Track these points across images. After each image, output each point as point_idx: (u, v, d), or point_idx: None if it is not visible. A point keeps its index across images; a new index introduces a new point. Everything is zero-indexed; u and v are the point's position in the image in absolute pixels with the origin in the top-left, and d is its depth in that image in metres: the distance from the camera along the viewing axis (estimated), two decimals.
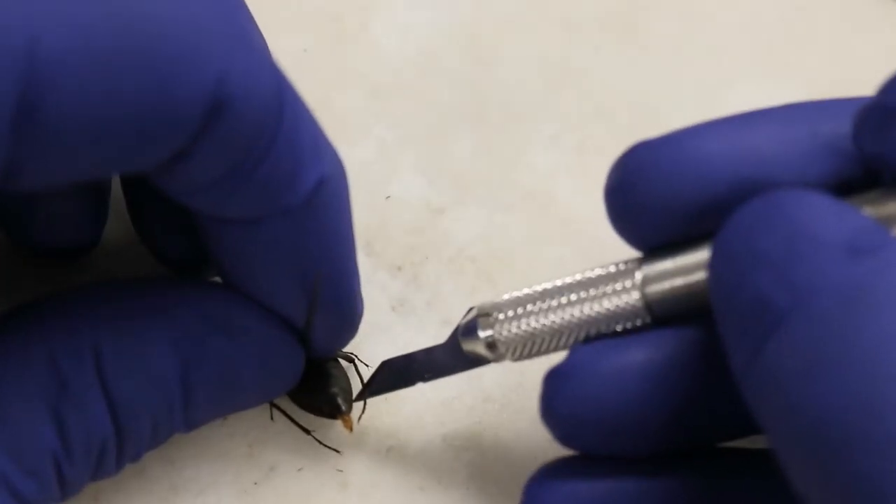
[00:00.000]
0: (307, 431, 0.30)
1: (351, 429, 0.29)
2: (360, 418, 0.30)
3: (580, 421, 0.26)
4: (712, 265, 0.23)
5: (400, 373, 0.29)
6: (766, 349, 0.21)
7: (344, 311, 0.28)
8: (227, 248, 0.27)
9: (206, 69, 0.22)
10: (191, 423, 0.27)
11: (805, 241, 0.22)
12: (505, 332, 0.27)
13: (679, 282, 0.25)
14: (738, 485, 0.26)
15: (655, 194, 0.25)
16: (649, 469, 0.26)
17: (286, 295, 0.27)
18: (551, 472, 0.27)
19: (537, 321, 0.27)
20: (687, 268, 0.25)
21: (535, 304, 0.27)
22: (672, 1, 0.37)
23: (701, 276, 0.25)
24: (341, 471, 0.30)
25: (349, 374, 0.30)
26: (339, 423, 0.30)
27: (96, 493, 0.29)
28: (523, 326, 0.27)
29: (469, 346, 0.27)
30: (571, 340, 0.26)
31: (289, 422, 0.30)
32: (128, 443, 0.26)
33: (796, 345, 0.21)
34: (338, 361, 0.30)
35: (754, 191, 0.24)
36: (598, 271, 0.26)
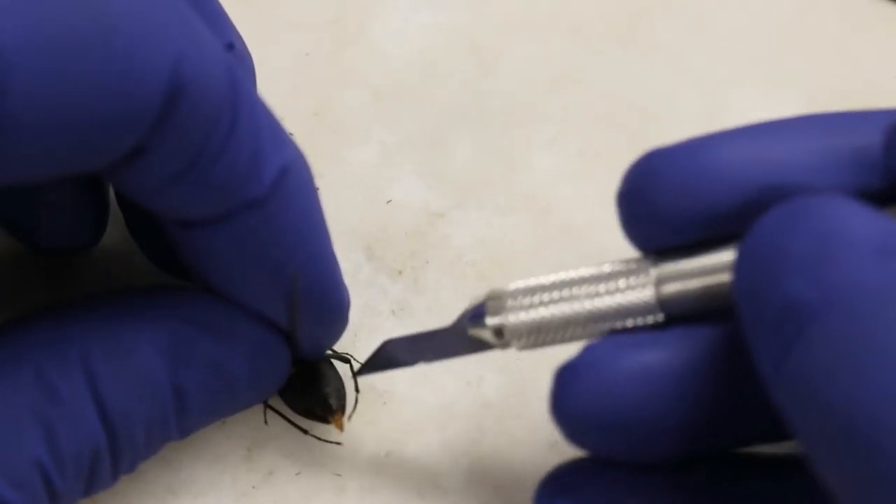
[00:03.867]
0: (304, 431, 0.30)
1: (342, 428, 0.29)
2: (350, 417, 0.30)
3: (590, 419, 0.25)
4: (738, 267, 0.23)
5: (402, 352, 0.29)
6: (797, 349, 0.21)
7: (328, 301, 0.28)
8: (200, 254, 0.26)
9: (162, 53, 0.22)
10: (184, 430, 0.27)
11: (836, 242, 0.22)
12: (513, 320, 0.27)
13: (696, 283, 0.25)
14: (754, 491, 0.26)
15: (668, 202, 0.25)
16: (662, 478, 0.26)
17: (265, 293, 0.27)
18: (559, 483, 0.26)
19: (547, 311, 0.26)
20: (705, 269, 0.25)
21: (545, 294, 0.27)
22: (673, 5, 0.37)
23: (718, 278, 0.25)
24: (339, 475, 0.30)
25: (346, 376, 0.30)
26: (334, 426, 0.30)
27: (94, 495, 0.29)
28: (532, 315, 0.27)
29: (475, 331, 0.27)
30: (579, 333, 0.26)
31: (287, 425, 0.30)
32: (122, 452, 0.26)
33: (828, 343, 0.21)
34: (331, 363, 0.30)
35: (772, 199, 0.24)
36: (611, 266, 0.26)
